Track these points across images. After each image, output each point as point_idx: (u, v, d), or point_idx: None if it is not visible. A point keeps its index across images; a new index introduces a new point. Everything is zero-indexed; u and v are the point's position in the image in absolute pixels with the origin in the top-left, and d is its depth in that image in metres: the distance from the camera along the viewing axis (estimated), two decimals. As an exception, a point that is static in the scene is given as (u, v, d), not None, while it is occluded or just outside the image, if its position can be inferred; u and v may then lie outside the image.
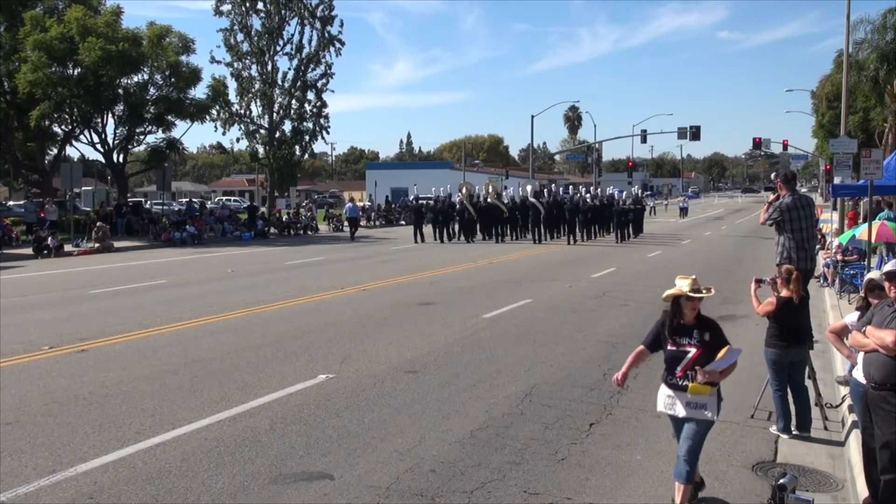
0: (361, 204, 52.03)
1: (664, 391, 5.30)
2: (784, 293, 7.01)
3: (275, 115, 43.55)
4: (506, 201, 33.69)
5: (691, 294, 5.14)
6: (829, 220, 25.35)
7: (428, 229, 32.86)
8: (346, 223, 37.49)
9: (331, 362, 9.40)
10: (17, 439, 6.60)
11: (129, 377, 8.68)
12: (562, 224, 32.27)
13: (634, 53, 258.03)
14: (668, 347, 5.25)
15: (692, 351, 5.15)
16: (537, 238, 31.41)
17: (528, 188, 34.12)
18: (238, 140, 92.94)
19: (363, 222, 46.59)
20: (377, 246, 30.19)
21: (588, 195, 33.93)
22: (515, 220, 33.41)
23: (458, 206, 33.04)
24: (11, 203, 40.48)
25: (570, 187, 51.00)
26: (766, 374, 7.29)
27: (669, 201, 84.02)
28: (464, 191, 33.77)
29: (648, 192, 67.76)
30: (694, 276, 5.20)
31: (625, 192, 37.55)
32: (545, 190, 39.52)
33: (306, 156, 51.35)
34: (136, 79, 37.36)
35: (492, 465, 6.07)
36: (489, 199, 33.46)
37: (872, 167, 13.96)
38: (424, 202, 34.99)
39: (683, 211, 58.82)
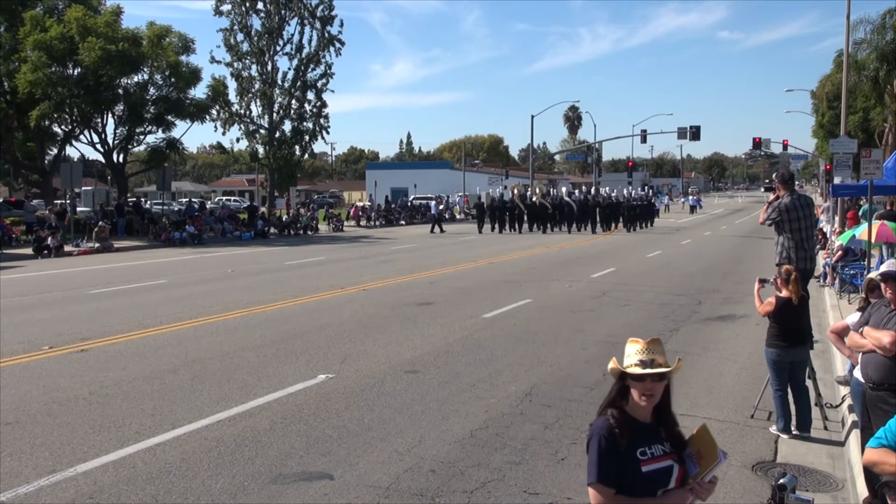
0: (361, 204, 52.11)
1: None
2: (783, 293, 7.01)
3: (275, 115, 43.48)
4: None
5: (639, 370, 3.00)
6: (831, 220, 25.38)
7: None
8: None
9: (331, 362, 9.40)
10: (17, 439, 6.60)
11: (129, 377, 8.68)
12: (587, 218, 39.44)
13: (635, 53, 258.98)
14: (644, 468, 3.02)
15: (674, 465, 3.08)
16: (571, 230, 38.29)
17: (563, 189, 43.38)
18: (238, 140, 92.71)
19: (363, 222, 46.68)
20: (377, 246, 30.19)
21: (613, 193, 42.23)
22: (555, 216, 39.74)
23: (509, 204, 39.96)
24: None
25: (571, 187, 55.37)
26: (766, 374, 7.29)
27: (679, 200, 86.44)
28: (516, 191, 41.00)
29: (661, 193, 74.98)
30: (652, 339, 3.14)
31: (634, 191, 45.34)
32: (577, 191, 48.98)
33: (306, 156, 51.28)
34: (136, 79, 37.47)
35: (492, 465, 6.07)
36: (536, 200, 39.89)
37: (872, 167, 13.96)
38: (487, 202, 41.83)
39: (693, 208, 64.13)
